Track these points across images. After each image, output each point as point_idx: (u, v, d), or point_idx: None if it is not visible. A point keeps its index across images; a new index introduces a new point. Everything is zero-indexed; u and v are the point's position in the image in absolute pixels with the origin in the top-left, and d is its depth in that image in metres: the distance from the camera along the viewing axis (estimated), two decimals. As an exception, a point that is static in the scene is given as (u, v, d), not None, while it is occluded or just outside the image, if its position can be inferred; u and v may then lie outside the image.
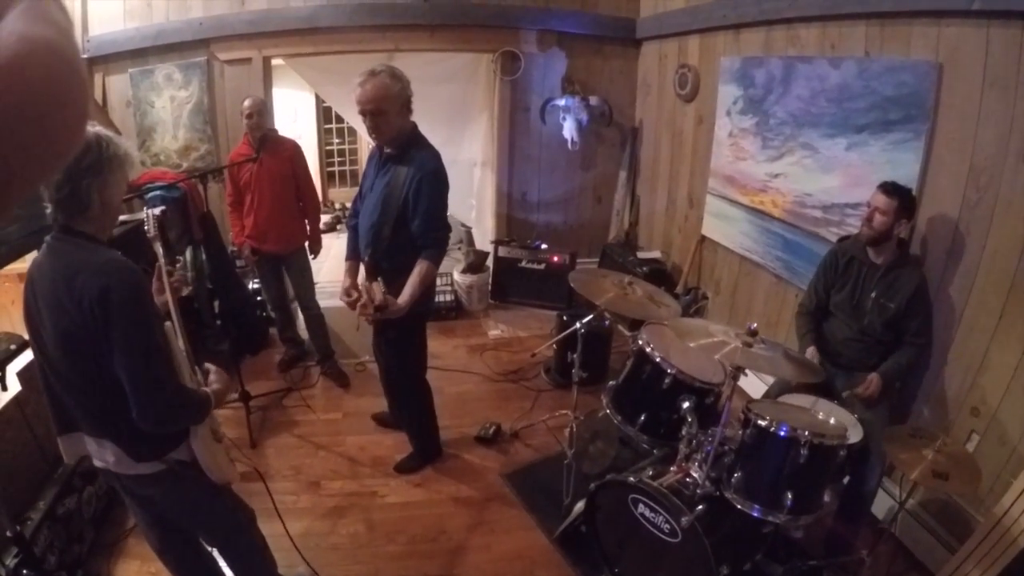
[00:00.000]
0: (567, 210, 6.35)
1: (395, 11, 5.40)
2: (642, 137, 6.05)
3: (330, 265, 6.29)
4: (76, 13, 5.14)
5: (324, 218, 6.32)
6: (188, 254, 4.74)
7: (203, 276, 4.75)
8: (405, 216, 2.98)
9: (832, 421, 2.49)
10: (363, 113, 2.88)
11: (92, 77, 5.35)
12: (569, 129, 5.71)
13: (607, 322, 4.12)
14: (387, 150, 3.06)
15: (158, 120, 5.52)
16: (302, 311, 4.69)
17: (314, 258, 4.63)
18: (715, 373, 2.82)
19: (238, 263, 5.13)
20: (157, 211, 2.20)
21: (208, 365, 2.15)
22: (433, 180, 2.96)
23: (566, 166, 6.17)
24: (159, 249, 2.15)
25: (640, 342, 2.87)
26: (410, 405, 3.66)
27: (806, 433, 2.28)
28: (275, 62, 5.74)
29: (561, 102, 5.75)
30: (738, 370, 2.37)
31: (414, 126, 3.06)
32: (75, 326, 1.67)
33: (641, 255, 5.65)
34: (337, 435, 4.02)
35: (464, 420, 4.10)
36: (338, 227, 8.50)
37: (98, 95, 5.38)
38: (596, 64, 5.93)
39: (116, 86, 5.50)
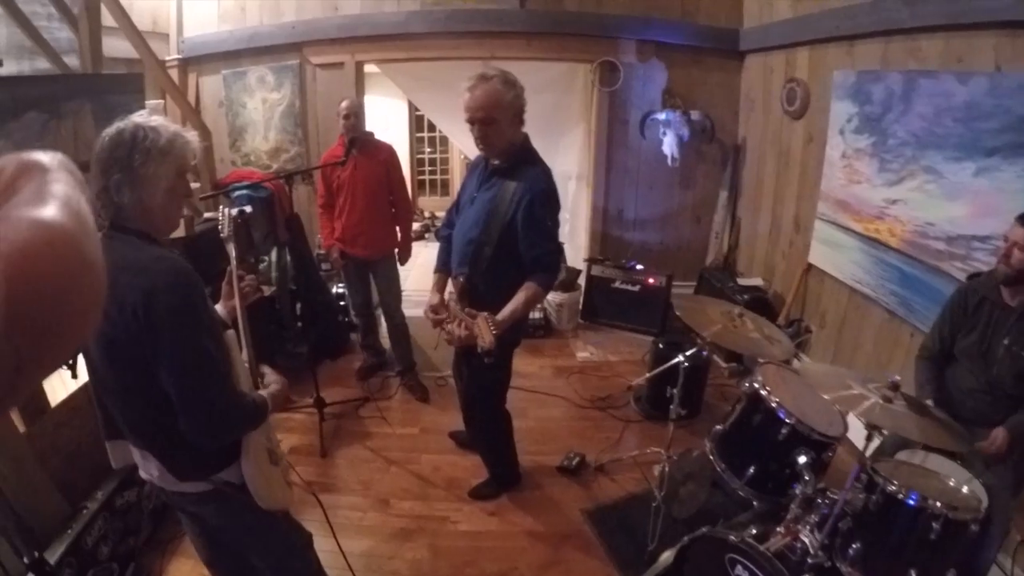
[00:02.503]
0: (664, 230, 6.05)
1: (490, 18, 5.29)
2: (745, 155, 5.71)
3: (417, 274, 6.27)
4: (172, 15, 5.31)
5: (414, 226, 6.28)
6: (273, 255, 4.74)
7: (286, 277, 4.74)
8: (508, 236, 2.73)
9: (965, 490, 2.16)
10: (472, 121, 2.67)
11: (186, 78, 5.50)
12: (669, 144, 5.43)
13: (705, 352, 3.85)
14: (494, 162, 2.83)
15: (249, 121, 5.63)
16: (386, 319, 4.62)
17: (402, 266, 4.53)
18: (831, 424, 2.50)
19: (323, 267, 5.11)
20: (234, 211, 2.14)
21: (264, 367, 2.03)
22: (546, 201, 2.74)
23: (665, 183, 5.88)
24: (232, 250, 2.07)
25: (755, 384, 2.58)
26: (487, 432, 3.47)
27: (938, 504, 1.99)
28: (368, 69, 5.73)
29: (661, 116, 5.48)
30: (874, 429, 2.06)
31: (526, 138, 2.83)
32: (118, 332, 1.50)
33: (741, 281, 5.30)
34: (412, 451, 3.89)
35: (547, 447, 3.88)
36: (426, 236, 8.56)
37: (191, 96, 5.51)
38: (696, 76, 5.65)
39: (209, 87, 5.64)
